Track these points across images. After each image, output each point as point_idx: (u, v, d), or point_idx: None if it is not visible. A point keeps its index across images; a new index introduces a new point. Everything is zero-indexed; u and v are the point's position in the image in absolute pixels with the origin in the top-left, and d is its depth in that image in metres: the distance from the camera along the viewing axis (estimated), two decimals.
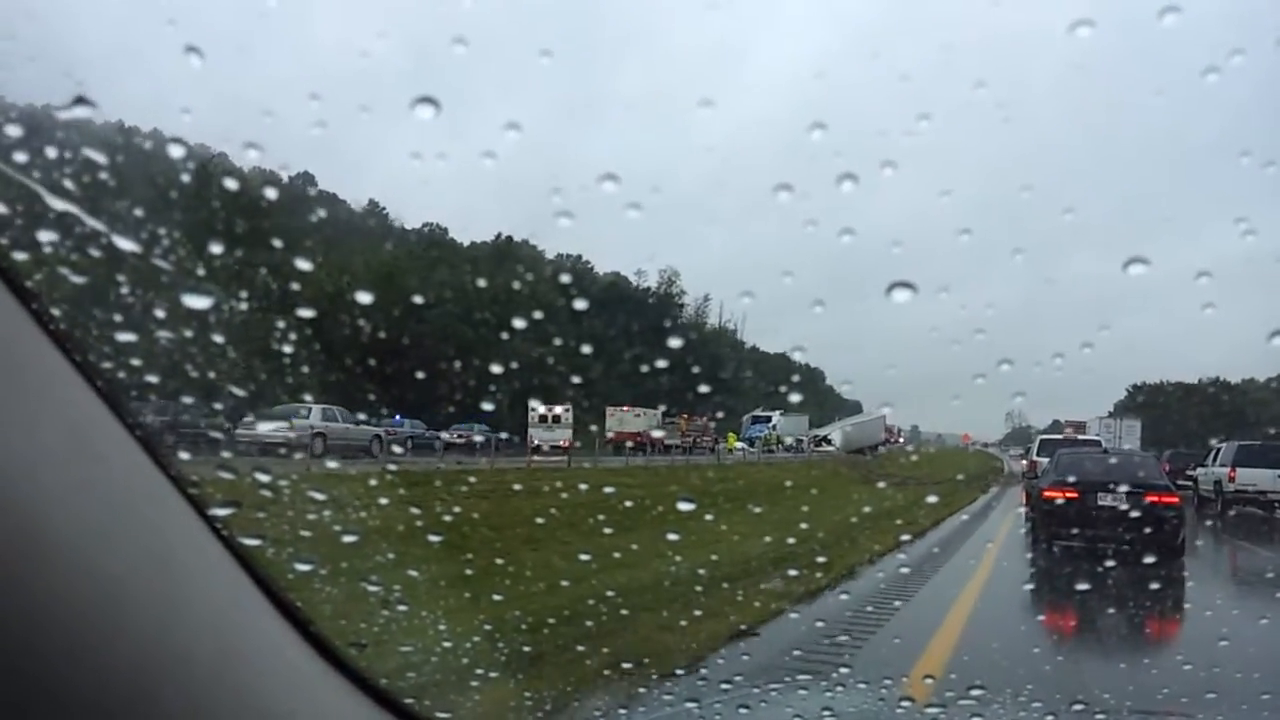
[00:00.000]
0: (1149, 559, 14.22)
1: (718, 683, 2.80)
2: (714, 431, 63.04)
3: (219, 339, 1.16)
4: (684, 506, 11.81)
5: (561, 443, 43.41)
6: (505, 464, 24.31)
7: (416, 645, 2.49)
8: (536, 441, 42.08)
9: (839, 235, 2.94)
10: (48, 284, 0.97)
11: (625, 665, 4.13)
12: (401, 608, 2.47)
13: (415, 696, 1.31)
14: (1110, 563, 14.58)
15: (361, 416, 23.23)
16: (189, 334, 1.11)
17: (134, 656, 0.79)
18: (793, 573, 10.41)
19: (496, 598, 3.94)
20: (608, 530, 9.14)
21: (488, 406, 34.51)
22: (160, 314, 1.10)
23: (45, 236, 0.98)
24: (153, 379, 1.06)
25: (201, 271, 1.11)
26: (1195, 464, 33.23)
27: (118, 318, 1.05)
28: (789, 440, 66.52)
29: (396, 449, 25.18)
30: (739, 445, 59.56)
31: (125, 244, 1.04)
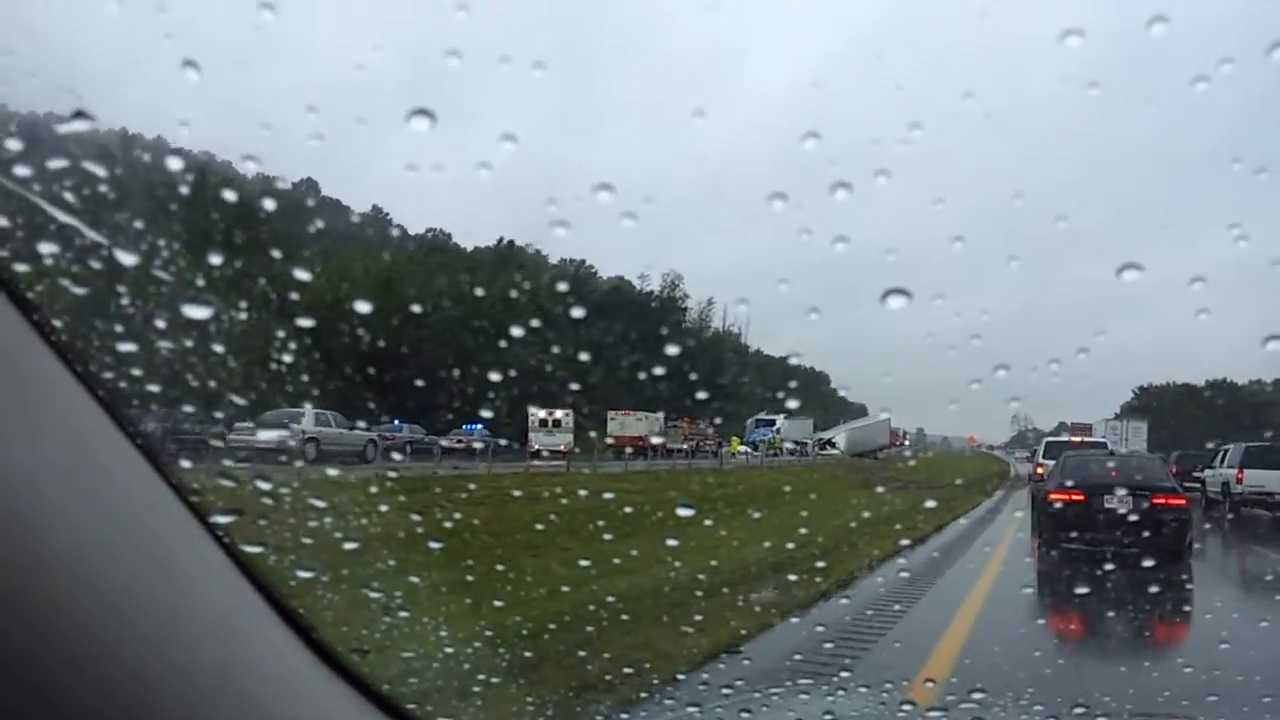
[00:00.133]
0: (1155, 562, 14.20)
1: (719, 687, 2.81)
2: (717, 436, 62.95)
3: (219, 348, 1.17)
4: (683, 512, 11.81)
5: (562, 447, 43.28)
6: (502, 469, 24.24)
7: (418, 651, 2.50)
8: (536, 446, 41.97)
9: (833, 243, 2.97)
10: (49, 295, 0.99)
11: (627, 670, 4.14)
12: (403, 614, 2.48)
13: (418, 702, 1.32)
14: (1116, 566, 14.56)
15: (362, 424, 23.18)
16: (189, 344, 1.12)
17: (136, 665, 0.80)
18: (792, 577, 10.38)
19: (498, 604, 3.96)
20: (607, 536, 9.10)
21: (488, 412, 34.45)
22: (161, 324, 1.11)
23: (46, 249, 1.00)
24: (154, 388, 1.08)
25: (201, 282, 1.12)
26: (1202, 465, 33.14)
27: (118, 328, 1.07)
28: (792, 444, 66.44)
29: (396, 456, 25.09)
30: (742, 449, 59.45)
31: (125, 256, 1.06)
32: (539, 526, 10.67)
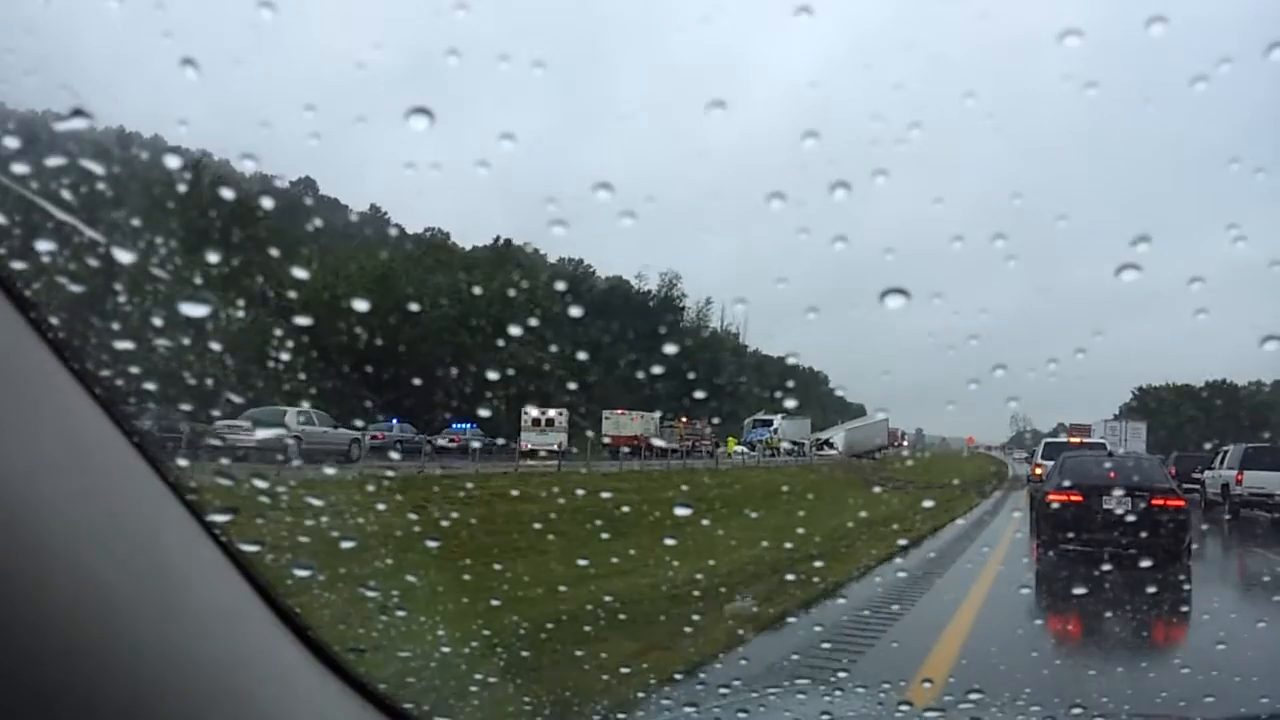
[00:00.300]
0: (1154, 563, 14.20)
1: (716, 687, 2.82)
2: (713, 435, 62.94)
3: (216, 346, 1.17)
4: (681, 512, 11.81)
5: (555, 447, 43.11)
6: (491, 469, 24.12)
7: (415, 650, 2.51)
8: (529, 446, 41.80)
9: (832, 242, 2.97)
10: (46, 293, 0.99)
11: (624, 670, 4.14)
12: (400, 613, 2.48)
13: (415, 702, 1.32)
14: (1114, 567, 14.55)
15: (359, 423, 23.13)
16: (186, 341, 1.12)
17: (132, 662, 0.80)
18: (790, 577, 10.34)
19: (495, 603, 3.99)
20: (604, 536, 9.08)
21: (485, 411, 34.46)
22: (158, 322, 1.11)
23: (44, 246, 1.00)
24: (150, 386, 1.08)
25: (199, 280, 1.13)
26: (1202, 467, 33.14)
27: (115, 326, 1.07)
28: (790, 444, 66.44)
29: (394, 455, 25.04)
30: (739, 449, 59.42)
31: (123, 254, 1.06)
32: (515, 531, 10.62)
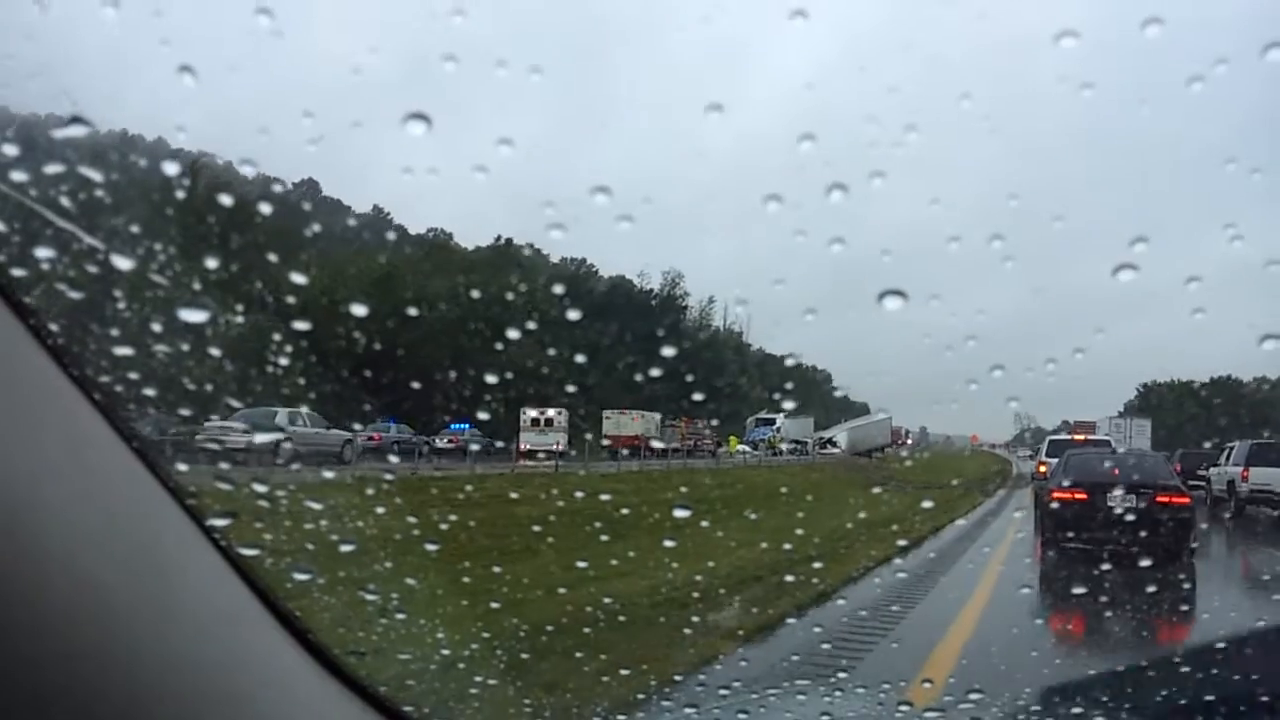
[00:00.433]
0: (1158, 561, 14.19)
1: (716, 688, 2.83)
2: (715, 435, 62.85)
3: (215, 351, 1.19)
4: (680, 513, 11.76)
5: (555, 447, 42.88)
6: (487, 470, 24.03)
7: (415, 653, 2.52)
8: (528, 446, 41.59)
9: (833, 243, 2.99)
10: (46, 299, 1.01)
11: (624, 671, 4.16)
12: (399, 616, 2.50)
13: (415, 704, 1.33)
14: (1118, 565, 14.53)
15: (357, 426, 23.03)
16: (185, 347, 1.14)
17: (132, 666, 0.81)
18: (789, 578, 10.29)
19: (494, 605, 4.00)
20: (590, 542, 9.02)
21: (484, 414, 34.39)
22: (157, 328, 1.13)
23: (43, 253, 1.01)
24: (150, 391, 1.09)
25: (198, 285, 1.14)
26: (1208, 464, 33.10)
27: (115, 332, 1.09)
28: (793, 443, 66.38)
29: (392, 458, 24.95)
30: (742, 448, 59.34)
31: (121, 260, 1.07)
32: (513, 534, 10.57)
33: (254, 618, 1.00)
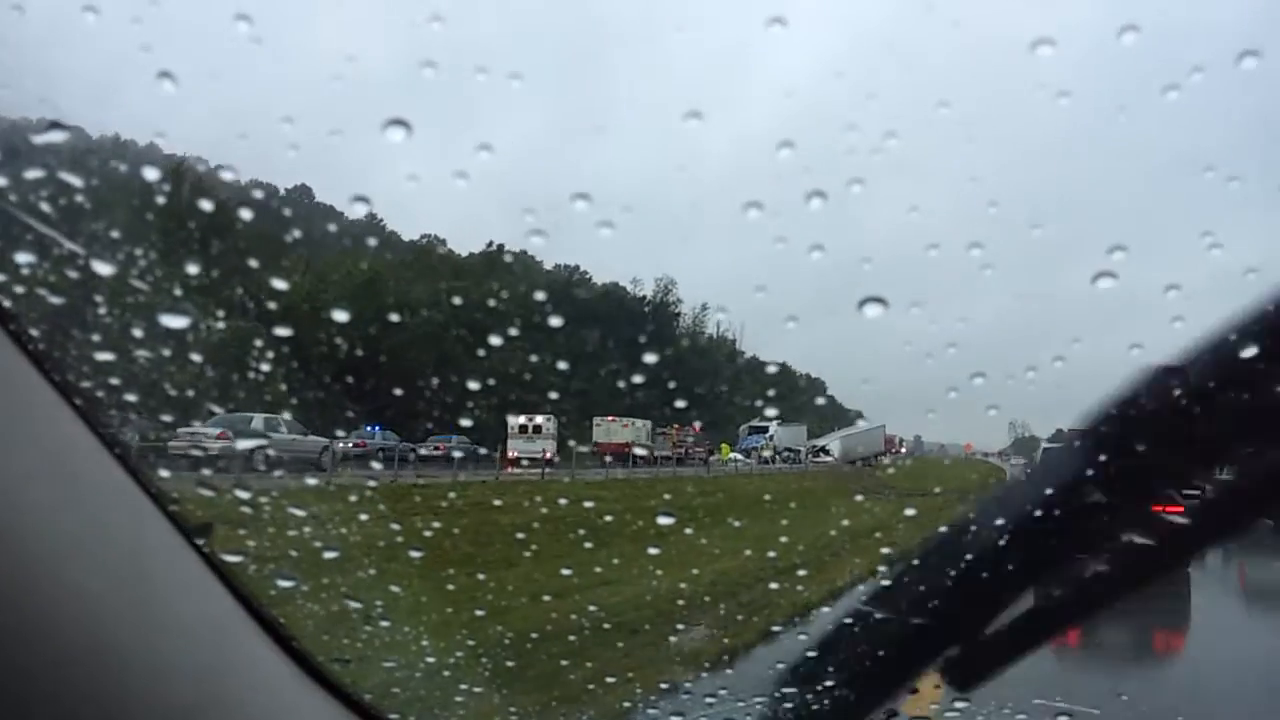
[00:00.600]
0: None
1: (702, 696, 2.84)
2: (707, 443, 62.73)
3: (196, 357, 1.20)
4: (664, 521, 11.68)
5: (544, 454, 42.52)
6: (472, 477, 23.85)
7: (400, 661, 2.52)
8: (515, 454, 41.27)
9: (812, 251, 3.01)
10: (26, 304, 1.02)
11: (610, 679, 4.17)
12: (384, 623, 2.50)
13: (400, 712, 1.34)
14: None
15: (340, 432, 22.84)
16: (167, 353, 1.15)
17: (115, 673, 0.81)
18: (774, 586, 10.22)
19: (479, 613, 4.01)
20: (574, 550, 8.96)
21: (466, 421, 34.21)
22: (138, 334, 1.14)
23: (23, 258, 1.02)
24: (132, 398, 1.10)
25: (178, 291, 1.16)
26: None
27: (96, 338, 1.10)
28: (786, 451, 66.35)
29: (375, 464, 24.78)
30: (734, 456, 59.27)
31: (102, 266, 1.09)
32: (497, 542, 10.49)
33: (238, 625, 1.01)
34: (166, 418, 1.18)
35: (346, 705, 1.16)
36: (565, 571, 7.72)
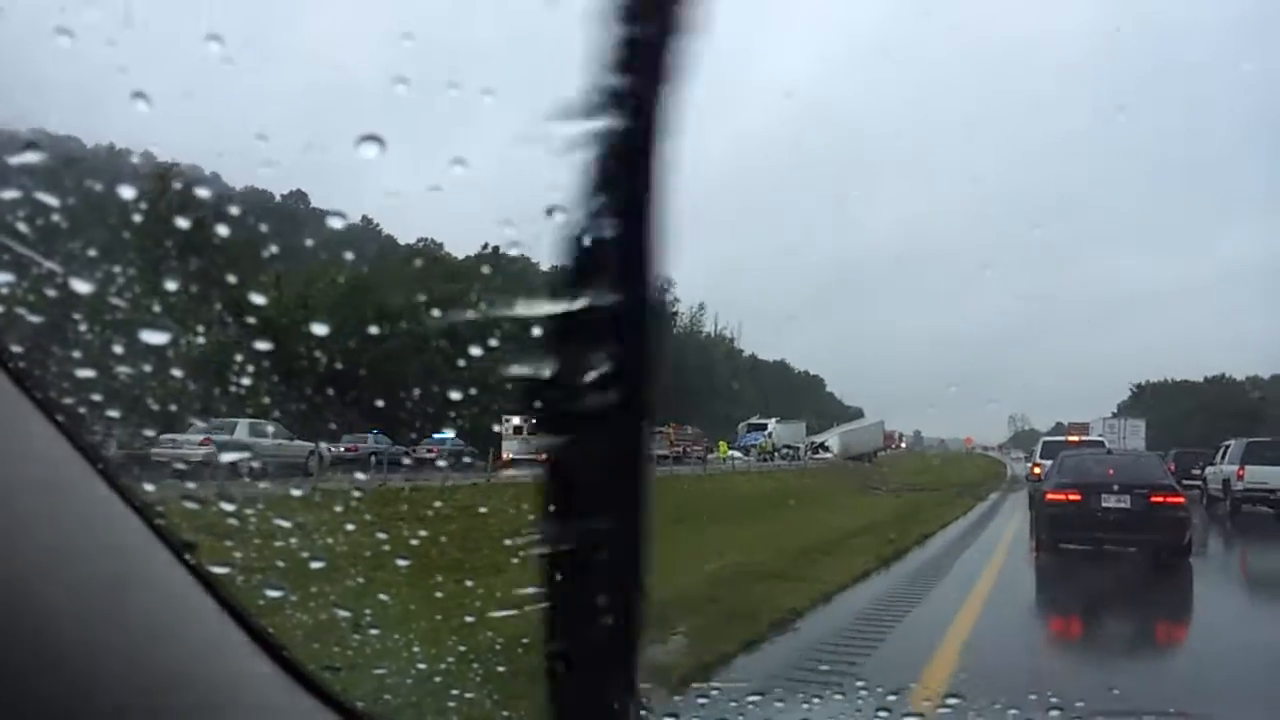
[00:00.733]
0: (1153, 561, 14.30)
1: (695, 697, 2.87)
2: (705, 441, 62.74)
3: (178, 372, 1.23)
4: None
5: (539, 455, 42.30)
6: (462, 481, 23.74)
7: (391, 667, 2.55)
8: (510, 455, 41.05)
9: (816, 251, 3.03)
10: (5, 323, 1.04)
11: None
12: (373, 631, 2.52)
13: (393, 718, 1.36)
14: (1113, 565, 14.62)
15: (326, 440, 22.76)
16: (148, 368, 1.18)
17: (101, 687, 0.82)
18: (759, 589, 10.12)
19: (469, 619, 4.00)
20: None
21: (465, 423, 34.14)
22: (119, 349, 1.16)
23: (2, 278, 1.04)
24: (114, 413, 1.13)
25: (158, 307, 1.18)
26: (1203, 463, 33.33)
27: (76, 354, 1.12)
28: (785, 448, 66.43)
29: (359, 474, 24.68)
30: (732, 453, 59.29)
31: (81, 284, 1.11)
32: (485, 547, 10.40)
33: (227, 635, 1.02)
34: (149, 432, 1.20)
35: (339, 712, 1.17)
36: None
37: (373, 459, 28.53)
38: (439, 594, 4.69)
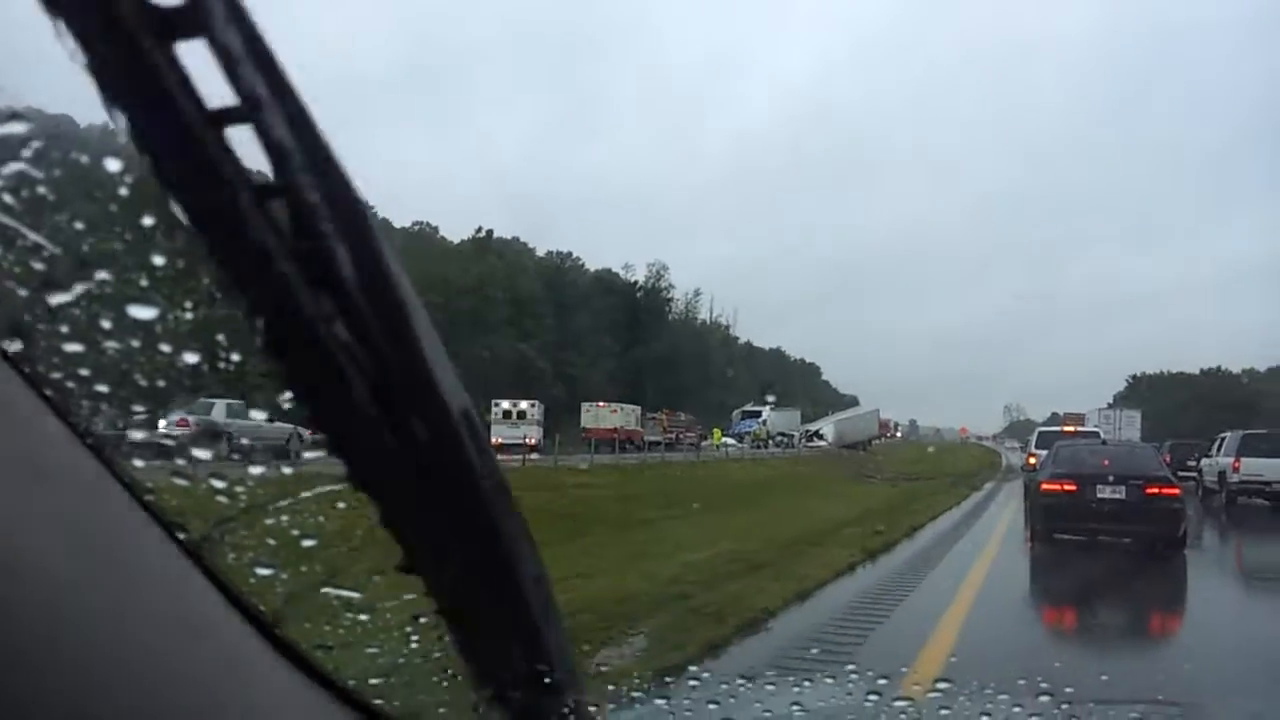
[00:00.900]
0: (1148, 552, 14.38)
1: (686, 679, 2.89)
2: (699, 427, 62.88)
3: (166, 347, 1.22)
4: (648, 514, 11.63)
5: (528, 440, 42.29)
6: None
7: (382, 647, 2.55)
8: (499, 440, 41.12)
9: (817, 242, 3.03)
10: None
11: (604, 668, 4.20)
12: (364, 614, 2.51)
13: (383, 696, 1.36)
14: (1108, 556, 14.70)
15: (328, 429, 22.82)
16: (136, 344, 1.17)
17: (89, 661, 0.83)
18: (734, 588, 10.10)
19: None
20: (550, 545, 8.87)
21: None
22: (106, 325, 1.16)
23: None
24: (103, 388, 1.12)
25: (145, 282, 1.17)
26: (1199, 455, 33.48)
27: (64, 329, 1.11)
28: (779, 436, 66.61)
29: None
30: (726, 440, 59.42)
31: (66, 258, 1.10)
32: None
33: (218, 612, 1.02)
34: (139, 408, 1.20)
35: (330, 691, 1.18)
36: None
37: None
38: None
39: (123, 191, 1.11)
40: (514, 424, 47.43)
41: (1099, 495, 15.31)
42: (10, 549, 0.78)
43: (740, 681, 2.43)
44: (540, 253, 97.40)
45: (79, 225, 1.14)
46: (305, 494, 1.44)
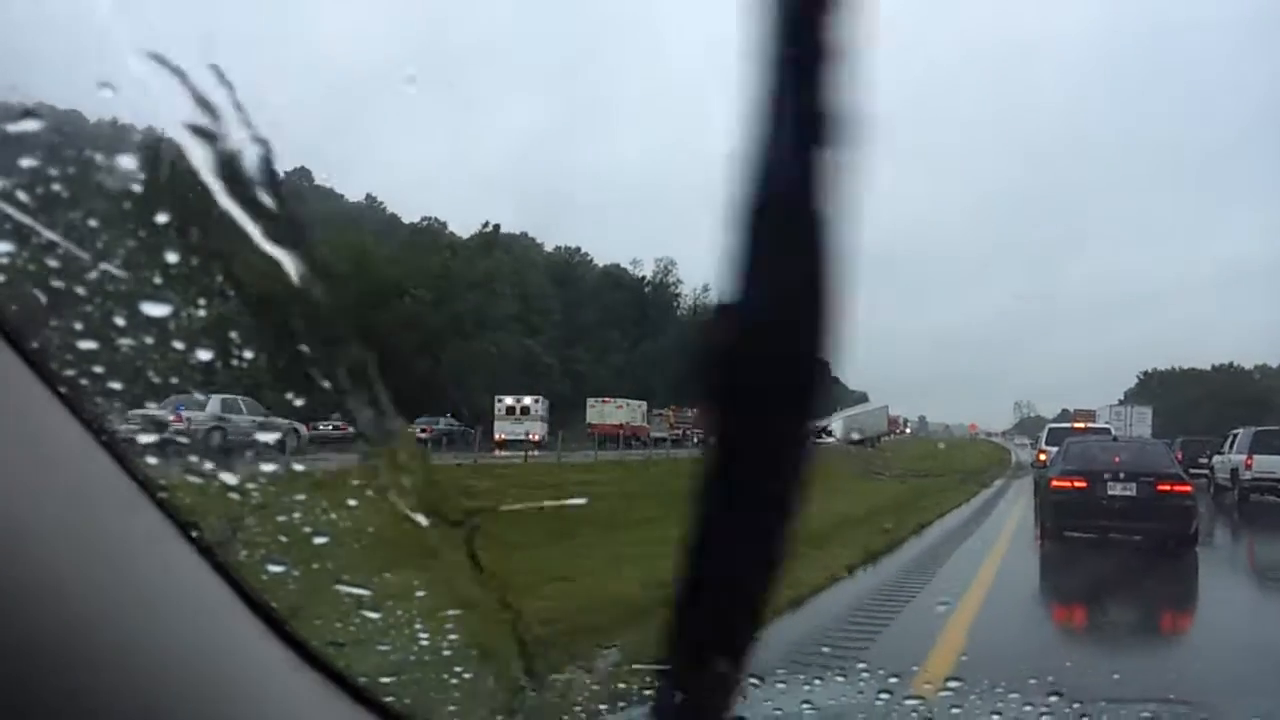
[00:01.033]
0: (1159, 550, 14.30)
1: None
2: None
3: (179, 345, 1.22)
4: (647, 512, 11.52)
5: (532, 436, 41.93)
6: (445, 461, 23.39)
7: (394, 645, 2.56)
8: (503, 435, 40.84)
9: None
10: (6, 293, 1.03)
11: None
12: (375, 612, 2.52)
13: (394, 695, 1.36)
14: (1119, 554, 14.63)
15: (299, 423, 22.95)
16: (149, 340, 1.17)
17: (102, 660, 0.82)
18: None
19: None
20: (532, 543, 8.79)
21: (463, 403, 34.28)
22: (120, 322, 1.16)
23: (1, 247, 1.04)
24: (116, 385, 1.12)
25: (159, 280, 1.17)
26: (1211, 452, 33.30)
27: (78, 326, 1.12)
28: None
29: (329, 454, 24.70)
30: None
31: (81, 254, 1.10)
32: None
33: (231, 609, 1.02)
34: (151, 404, 1.20)
35: (341, 688, 1.18)
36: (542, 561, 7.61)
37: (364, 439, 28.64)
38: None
39: (136, 188, 1.11)
40: (518, 420, 47.21)
41: (1109, 492, 15.22)
42: (23, 545, 0.78)
43: (751, 679, 2.43)
44: (548, 248, 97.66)
45: (92, 223, 1.14)
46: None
